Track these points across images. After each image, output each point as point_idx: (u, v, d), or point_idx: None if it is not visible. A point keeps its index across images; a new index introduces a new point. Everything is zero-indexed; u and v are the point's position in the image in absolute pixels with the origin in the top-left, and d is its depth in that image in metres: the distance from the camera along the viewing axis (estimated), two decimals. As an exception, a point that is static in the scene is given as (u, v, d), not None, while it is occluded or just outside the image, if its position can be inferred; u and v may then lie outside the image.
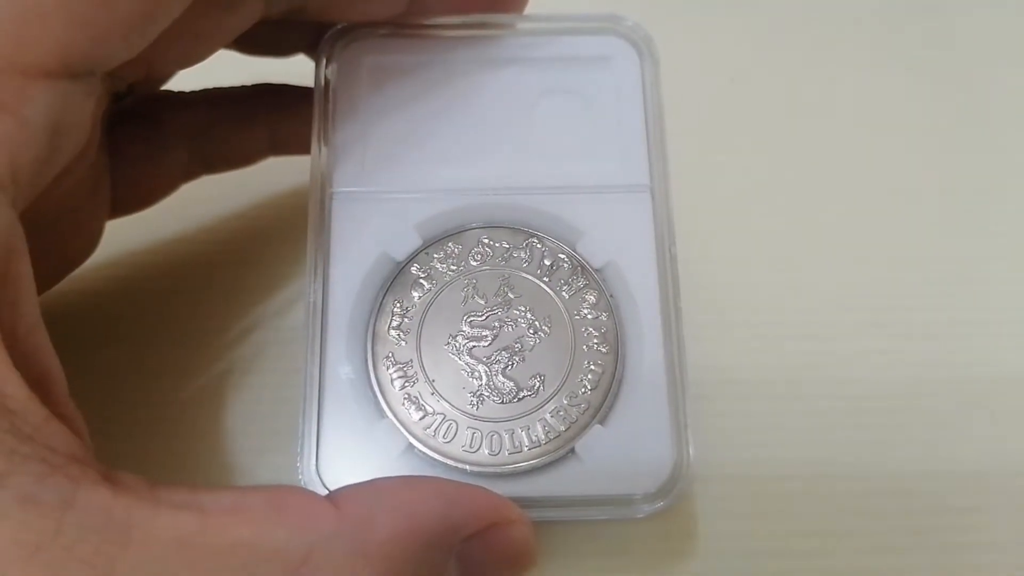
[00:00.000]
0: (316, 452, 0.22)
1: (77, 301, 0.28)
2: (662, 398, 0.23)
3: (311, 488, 0.21)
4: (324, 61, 0.25)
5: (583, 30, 0.26)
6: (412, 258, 0.24)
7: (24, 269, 0.17)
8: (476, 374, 0.23)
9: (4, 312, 0.16)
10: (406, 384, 0.23)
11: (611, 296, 0.24)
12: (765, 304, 0.29)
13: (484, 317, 0.24)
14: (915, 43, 0.35)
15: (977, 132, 0.33)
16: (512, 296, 0.24)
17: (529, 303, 0.24)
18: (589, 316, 0.24)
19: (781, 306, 0.29)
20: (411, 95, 0.26)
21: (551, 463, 0.22)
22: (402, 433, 0.22)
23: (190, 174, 0.27)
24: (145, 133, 0.26)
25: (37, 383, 0.16)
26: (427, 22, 0.26)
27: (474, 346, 0.23)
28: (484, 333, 0.23)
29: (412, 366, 0.23)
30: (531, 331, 0.23)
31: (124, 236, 0.28)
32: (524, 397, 0.23)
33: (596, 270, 0.24)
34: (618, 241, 0.24)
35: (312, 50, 0.26)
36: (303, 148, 0.25)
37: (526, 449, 0.22)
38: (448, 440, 0.22)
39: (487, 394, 0.23)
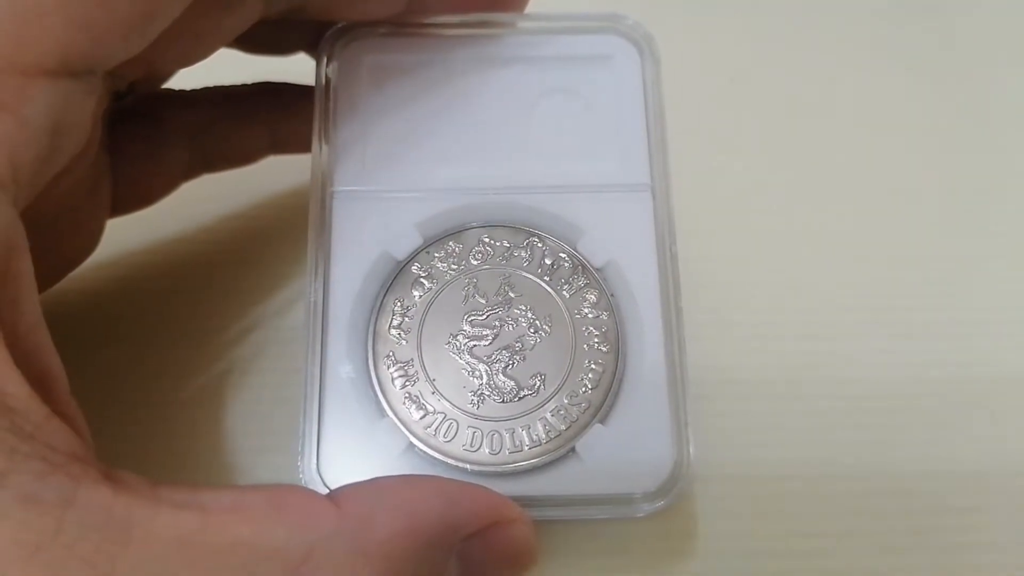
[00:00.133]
0: (317, 451, 0.22)
1: (78, 300, 0.28)
2: (662, 397, 0.23)
3: (312, 487, 0.21)
4: (324, 60, 0.25)
5: (584, 29, 0.26)
6: (413, 257, 0.24)
7: (25, 267, 0.17)
8: (477, 373, 0.23)
9: (5, 310, 0.16)
10: (407, 383, 0.23)
11: (612, 295, 0.24)
12: (765, 304, 0.29)
13: (485, 316, 0.24)
14: (915, 43, 0.35)
15: (977, 132, 0.33)
16: (513, 295, 0.24)
17: (530, 302, 0.24)
18: (590, 315, 0.24)
19: (781, 306, 0.29)
20: (412, 94, 0.26)
21: (552, 462, 0.22)
22: (403, 432, 0.22)
23: (190, 173, 0.27)
24: (145, 132, 0.26)
25: (38, 381, 0.16)
26: (427, 21, 0.26)
27: (475, 345, 0.23)
28: (485, 332, 0.23)
29: (413, 365, 0.23)
30: (532, 330, 0.23)
31: (124, 235, 0.28)
32: (525, 396, 0.23)
33: (597, 269, 0.24)
34: (619, 240, 0.24)
35: (312, 49, 0.26)
36: (303, 147, 0.25)
37: (527, 448, 0.22)
38: (449, 439, 0.22)
39: (488, 393, 0.23)
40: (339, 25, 0.25)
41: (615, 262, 0.24)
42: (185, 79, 0.26)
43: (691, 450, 0.22)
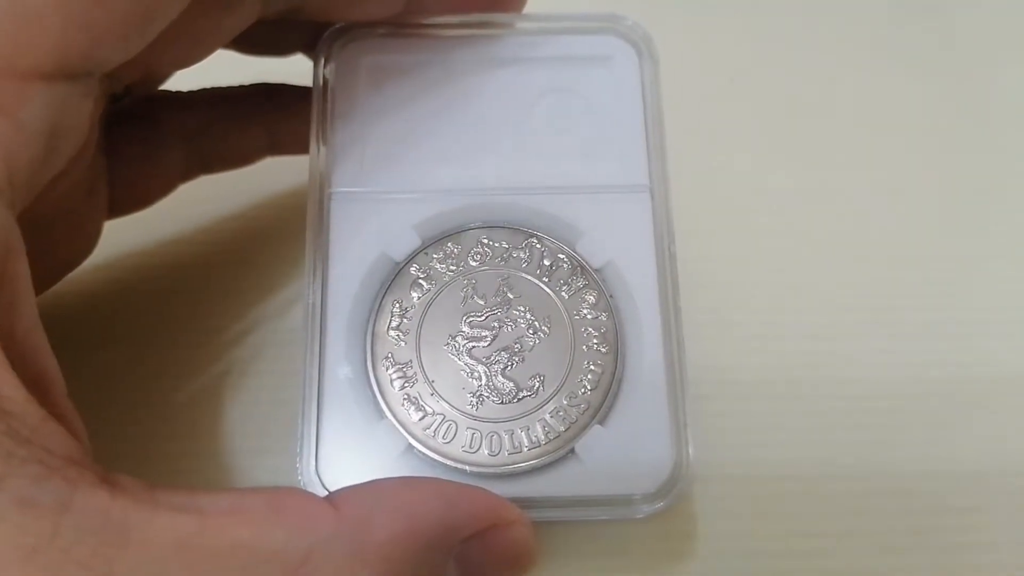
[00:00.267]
0: (315, 453, 0.22)
1: (76, 302, 0.28)
2: (662, 398, 0.23)
3: (310, 489, 0.21)
4: (322, 61, 0.25)
5: (582, 29, 0.26)
6: (411, 258, 0.24)
7: (22, 270, 0.17)
8: (476, 374, 0.23)
9: (1, 313, 0.16)
10: (405, 384, 0.23)
11: (611, 296, 0.24)
12: (765, 304, 0.29)
13: (483, 317, 0.24)
14: (915, 43, 0.35)
15: (977, 132, 0.33)
16: (511, 296, 0.24)
17: (529, 303, 0.24)
18: (589, 316, 0.24)
19: (781, 306, 0.29)
20: (410, 95, 0.25)
21: (551, 463, 0.22)
22: (401, 434, 0.22)
23: (188, 174, 0.27)
24: (143, 134, 0.26)
25: (35, 384, 0.16)
26: (426, 21, 0.26)
27: (473, 346, 0.23)
28: (484, 333, 0.23)
29: (411, 366, 0.23)
30: (531, 331, 0.23)
31: (122, 237, 0.28)
32: (524, 397, 0.23)
33: (596, 270, 0.24)
34: (617, 241, 0.24)
35: (310, 50, 0.26)
36: (301, 148, 0.25)
37: (526, 449, 0.22)
38: (448, 441, 0.22)
39: (487, 394, 0.23)
40: (337, 26, 0.25)
41: (614, 263, 0.24)
42: (182, 80, 0.25)
43: (690, 451, 0.22)
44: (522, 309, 0.24)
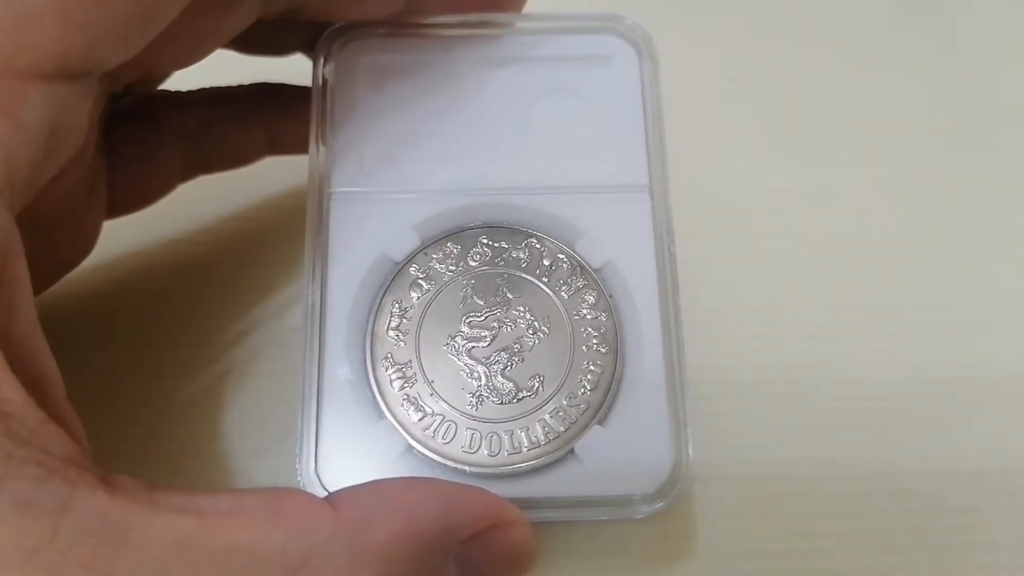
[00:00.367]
0: (315, 453, 0.22)
1: (75, 302, 0.28)
2: (661, 398, 0.23)
3: (310, 489, 0.21)
4: (322, 60, 0.25)
5: (582, 29, 0.26)
6: (411, 258, 0.24)
7: (20, 271, 0.17)
8: (475, 375, 0.23)
9: (0, 314, 0.16)
10: (405, 385, 0.23)
11: (610, 296, 0.24)
12: (765, 304, 0.29)
13: (483, 317, 0.24)
14: (915, 43, 0.35)
15: (977, 132, 0.33)
16: (511, 296, 0.24)
17: (528, 303, 0.24)
18: (588, 316, 0.24)
19: (781, 306, 0.29)
20: (409, 95, 0.25)
21: (550, 464, 0.22)
22: (401, 434, 0.22)
23: (187, 174, 0.27)
24: (142, 133, 0.26)
25: (33, 385, 0.16)
26: (425, 21, 0.26)
27: (473, 347, 0.23)
28: (483, 334, 0.23)
29: (411, 367, 0.23)
30: (530, 331, 0.23)
31: (122, 237, 0.28)
32: (523, 398, 0.23)
33: (595, 270, 0.24)
34: (617, 241, 0.24)
35: (310, 49, 0.26)
36: (301, 148, 0.25)
37: (525, 450, 0.22)
38: (447, 441, 0.22)
39: (486, 395, 0.23)
40: (336, 25, 0.25)
41: (613, 263, 0.24)
42: (182, 80, 0.25)
43: (690, 451, 0.22)
44: (522, 309, 0.24)
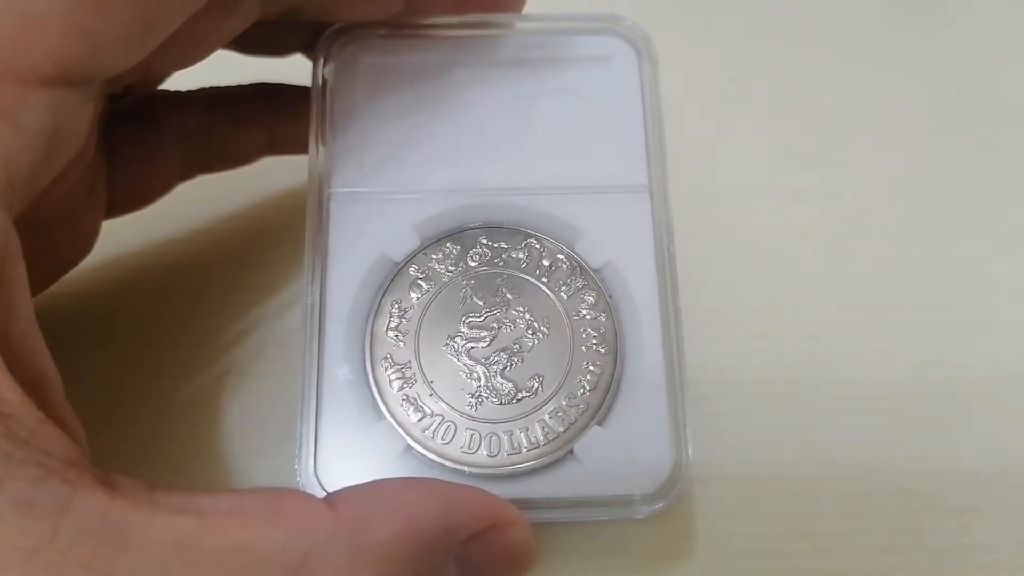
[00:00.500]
0: (314, 454, 0.22)
1: (75, 302, 0.28)
2: (661, 399, 0.23)
3: (309, 490, 0.21)
4: (322, 61, 0.25)
5: (582, 30, 0.26)
6: (410, 259, 0.24)
7: (19, 273, 0.17)
8: (475, 375, 0.23)
9: (-1, 315, 0.16)
10: (404, 385, 0.23)
11: (610, 296, 0.24)
12: (765, 304, 0.29)
13: (482, 318, 0.24)
14: (915, 43, 0.35)
15: (977, 132, 0.33)
16: (511, 297, 0.24)
17: (528, 304, 0.24)
18: (588, 317, 0.24)
19: (781, 306, 0.29)
20: (409, 95, 0.25)
21: (550, 464, 0.22)
22: (400, 434, 0.22)
23: (187, 174, 0.27)
24: (142, 133, 0.26)
25: (32, 386, 0.16)
26: (425, 22, 0.26)
27: (472, 347, 0.23)
28: (483, 334, 0.23)
29: (410, 367, 0.23)
30: (530, 332, 0.23)
31: (122, 237, 0.28)
32: (523, 398, 0.23)
33: (595, 270, 0.24)
34: (617, 241, 0.24)
35: (309, 50, 0.26)
36: (301, 148, 0.25)
37: (525, 450, 0.22)
38: (446, 441, 0.22)
39: (486, 395, 0.23)
40: (336, 26, 0.25)
41: (613, 263, 0.24)
42: (181, 80, 0.25)
43: (690, 451, 0.22)
44: (521, 310, 0.24)
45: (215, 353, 0.28)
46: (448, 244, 0.24)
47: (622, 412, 0.23)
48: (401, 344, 0.23)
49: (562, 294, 0.24)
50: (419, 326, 0.23)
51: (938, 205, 0.31)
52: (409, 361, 0.23)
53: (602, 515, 0.22)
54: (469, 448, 0.22)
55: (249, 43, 0.25)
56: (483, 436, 0.22)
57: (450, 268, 0.24)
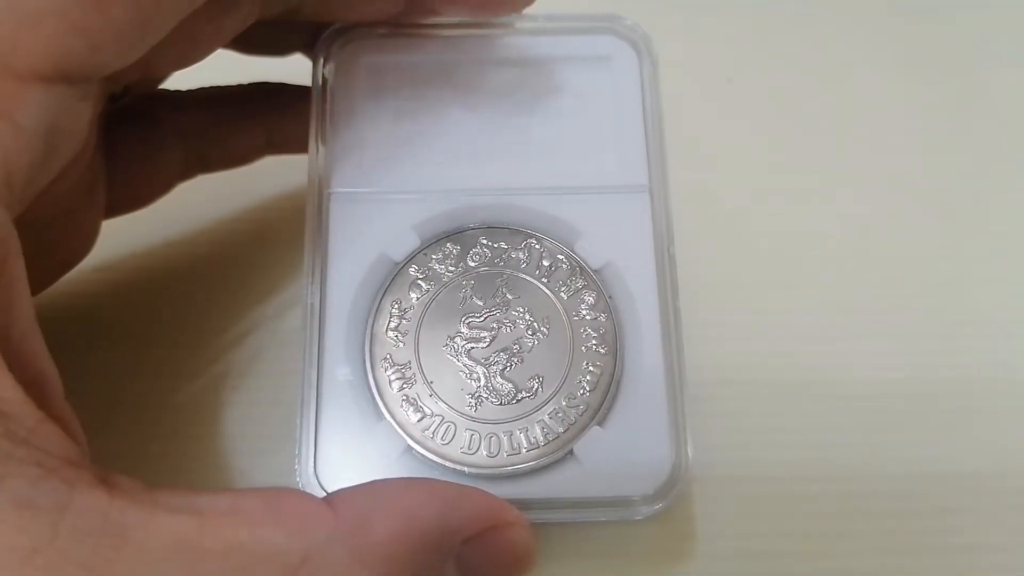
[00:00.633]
0: (314, 454, 0.22)
1: (76, 302, 0.28)
2: (661, 399, 0.23)
3: (309, 490, 0.21)
4: (321, 61, 0.25)
5: (582, 30, 0.26)
6: (410, 259, 0.24)
7: (18, 272, 0.17)
8: (475, 375, 0.23)
9: (-1, 315, 0.16)
10: (404, 386, 0.23)
11: (610, 297, 0.24)
12: (765, 304, 0.29)
13: (482, 318, 0.23)
14: (915, 43, 0.35)
15: (977, 132, 0.33)
16: (510, 297, 0.24)
17: (527, 304, 0.24)
18: (588, 317, 0.24)
19: (781, 306, 0.29)
20: (409, 95, 0.25)
21: (550, 465, 0.22)
22: (400, 435, 0.22)
23: (187, 173, 0.27)
24: (142, 133, 0.26)
25: (32, 385, 0.16)
26: (425, 22, 0.26)
27: (472, 347, 0.23)
28: (482, 334, 0.23)
29: (410, 367, 0.23)
30: (530, 332, 0.23)
31: (122, 238, 0.28)
32: (523, 399, 0.23)
33: (595, 271, 0.24)
34: (617, 242, 0.24)
35: (309, 50, 0.26)
36: (300, 147, 0.25)
37: (524, 451, 0.22)
38: (446, 442, 0.22)
39: (485, 396, 0.23)
40: (336, 26, 0.25)
41: (613, 263, 0.24)
42: (181, 79, 0.25)
43: (689, 452, 0.22)
44: (521, 310, 0.24)
45: (215, 353, 0.28)
46: (448, 244, 0.24)
47: (622, 413, 0.23)
48: (401, 344, 0.23)
49: (562, 294, 0.24)
50: (419, 326, 0.23)
51: (938, 205, 0.31)
52: (409, 361, 0.23)
53: (602, 516, 0.22)
54: (469, 449, 0.22)
55: (249, 43, 0.25)
56: (483, 436, 0.22)
57: (450, 268, 0.24)
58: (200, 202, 0.29)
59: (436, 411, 0.23)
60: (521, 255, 0.24)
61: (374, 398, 0.23)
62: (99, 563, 0.14)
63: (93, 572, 0.14)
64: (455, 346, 0.23)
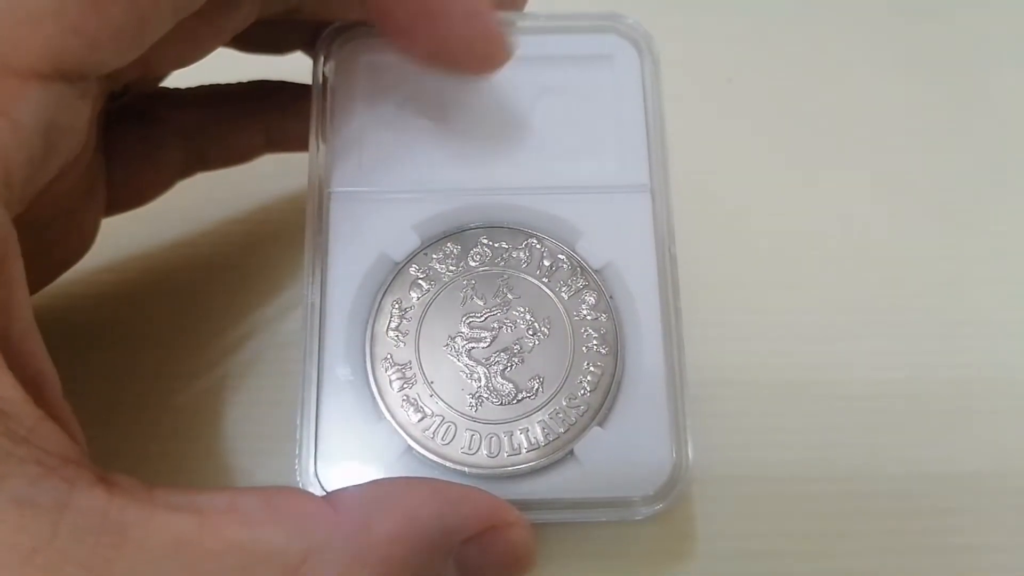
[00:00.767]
0: (314, 455, 0.22)
1: (76, 303, 0.28)
2: (661, 400, 0.23)
3: (309, 490, 0.21)
4: (322, 59, 0.25)
5: (583, 29, 0.26)
6: (411, 258, 0.24)
7: (17, 271, 0.17)
8: (475, 376, 0.23)
9: (-2, 314, 0.16)
10: (405, 386, 0.23)
11: (611, 297, 0.24)
12: (765, 304, 0.29)
13: (483, 318, 0.23)
14: (915, 43, 0.35)
15: (978, 132, 0.33)
16: (511, 297, 0.24)
17: (528, 304, 0.24)
18: (588, 317, 0.24)
19: (781, 306, 0.29)
20: (409, 94, 0.25)
21: (550, 465, 0.22)
22: (401, 435, 0.22)
23: (186, 172, 0.27)
24: (141, 131, 0.26)
25: (30, 384, 0.16)
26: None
27: (473, 347, 0.23)
28: (483, 334, 0.23)
29: (411, 367, 0.23)
30: (530, 332, 0.23)
31: (123, 239, 0.28)
32: (523, 399, 0.23)
33: (595, 271, 0.24)
34: (618, 241, 0.24)
35: (310, 48, 0.25)
36: (300, 145, 0.25)
37: (525, 451, 0.22)
38: (447, 442, 0.22)
39: (486, 396, 0.23)
40: (336, 24, 0.25)
41: (614, 263, 0.24)
42: (181, 77, 0.25)
43: (690, 452, 0.22)
44: (522, 310, 0.24)
45: (215, 353, 0.28)
46: (449, 244, 0.24)
47: (622, 413, 0.23)
48: (401, 344, 0.23)
49: (563, 294, 0.24)
50: (419, 326, 0.23)
51: (938, 205, 0.31)
52: (409, 361, 0.23)
53: (602, 516, 0.22)
54: (469, 449, 0.22)
55: (249, 41, 0.25)
56: (483, 437, 0.22)
57: (451, 268, 0.24)
58: (200, 202, 0.29)
59: (436, 411, 0.23)
60: (522, 255, 0.24)
61: (374, 398, 0.23)
62: (99, 562, 0.14)
63: (93, 571, 0.14)
64: (456, 346, 0.23)
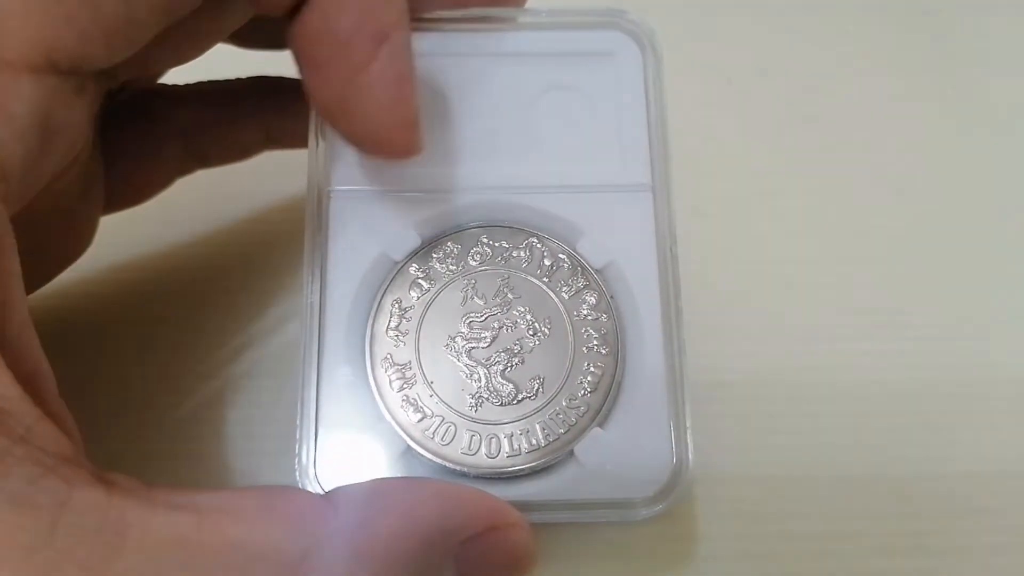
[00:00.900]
0: (314, 455, 0.22)
1: (76, 304, 0.28)
2: (662, 400, 0.22)
3: (308, 490, 0.21)
4: (322, 57, 0.25)
5: (585, 25, 0.26)
6: (411, 258, 0.24)
7: (14, 268, 0.17)
8: (475, 376, 0.23)
9: (-6, 313, 0.16)
10: (405, 386, 0.23)
11: (611, 297, 0.24)
12: (766, 305, 0.29)
13: (483, 318, 0.23)
14: (915, 43, 0.35)
15: (977, 132, 0.33)
16: (512, 297, 0.24)
17: (529, 304, 0.24)
18: (589, 317, 0.23)
19: (782, 307, 0.29)
20: (410, 92, 0.25)
21: (550, 466, 0.22)
22: (400, 435, 0.22)
23: (185, 169, 0.27)
24: (140, 128, 0.26)
25: (27, 382, 0.16)
26: (426, 16, 0.25)
27: (473, 347, 0.23)
28: (483, 334, 0.23)
29: (411, 368, 0.23)
30: (531, 332, 0.23)
31: (123, 239, 0.28)
32: (523, 399, 0.23)
33: (596, 270, 0.24)
34: (619, 241, 0.24)
35: (310, 45, 0.25)
36: (300, 142, 0.25)
37: (525, 452, 0.22)
38: (447, 443, 0.22)
39: (486, 396, 0.23)
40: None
41: (615, 263, 0.24)
42: (180, 74, 0.25)
43: (690, 453, 0.22)
44: (522, 310, 0.24)
45: (214, 353, 0.28)
46: (449, 243, 0.24)
47: (623, 414, 0.23)
48: (401, 344, 0.23)
49: (563, 294, 0.24)
50: (419, 326, 0.23)
51: (938, 206, 0.31)
52: (409, 361, 0.23)
53: (602, 517, 0.22)
54: (469, 449, 0.22)
55: (248, 37, 0.25)
56: (483, 438, 0.22)
57: (451, 267, 0.24)
58: (200, 202, 0.29)
59: (436, 412, 0.22)
60: (522, 254, 0.24)
61: (374, 398, 0.23)
62: (98, 561, 0.14)
63: (92, 570, 0.14)
64: (456, 346, 0.23)
